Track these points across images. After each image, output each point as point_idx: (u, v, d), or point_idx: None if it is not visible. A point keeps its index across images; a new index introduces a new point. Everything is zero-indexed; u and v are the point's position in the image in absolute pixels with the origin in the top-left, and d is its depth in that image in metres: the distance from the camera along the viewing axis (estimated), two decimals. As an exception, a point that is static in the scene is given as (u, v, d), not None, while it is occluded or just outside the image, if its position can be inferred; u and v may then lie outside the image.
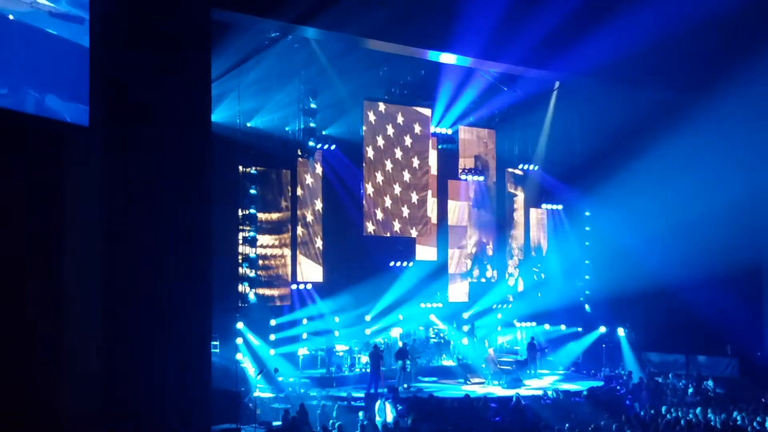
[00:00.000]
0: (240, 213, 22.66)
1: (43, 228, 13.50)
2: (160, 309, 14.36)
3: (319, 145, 24.71)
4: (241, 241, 22.61)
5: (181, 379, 14.47)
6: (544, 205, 31.34)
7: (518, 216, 30.94)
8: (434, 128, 28.02)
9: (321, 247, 25.17)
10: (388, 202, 26.42)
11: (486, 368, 25.17)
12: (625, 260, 27.00)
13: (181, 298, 14.69)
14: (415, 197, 27.22)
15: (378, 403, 19.23)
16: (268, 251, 23.60)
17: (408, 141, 26.98)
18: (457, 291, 29.04)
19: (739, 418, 17.92)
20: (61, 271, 13.68)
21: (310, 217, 24.93)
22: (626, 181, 26.48)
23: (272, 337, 23.08)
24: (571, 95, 27.97)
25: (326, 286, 25.05)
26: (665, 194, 26.60)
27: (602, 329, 28.44)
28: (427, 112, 27.51)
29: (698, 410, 19.13)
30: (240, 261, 22.58)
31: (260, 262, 23.11)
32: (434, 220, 28.27)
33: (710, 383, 23.84)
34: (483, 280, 29.54)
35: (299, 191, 24.55)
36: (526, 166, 30.55)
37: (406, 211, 26.94)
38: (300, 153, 24.47)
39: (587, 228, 31.05)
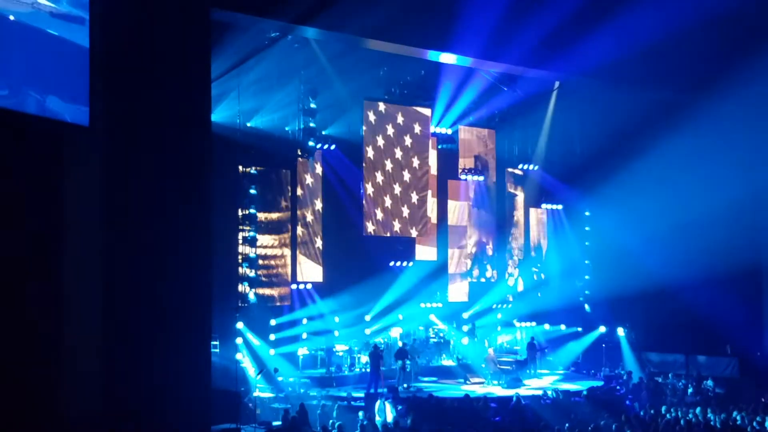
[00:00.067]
0: (240, 213, 22.67)
1: (43, 228, 13.48)
2: (160, 309, 14.35)
3: (319, 145, 24.71)
4: (241, 241, 22.61)
5: (181, 379, 14.46)
6: (544, 205, 31.35)
7: (518, 216, 30.94)
8: (434, 128, 28.03)
9: (321, 247, 25.17)
10: (388, 202, 26.42)
11: (486, 368, 25.17)
12: (625, 260, 27.02)
13: (181, 298, 14.68)
14: (415, 197, 27.22)
15: (378, 403, 19.24)
16: (268, 251, 23.60)
17: (408, 141, 26.98)
18: (457, 291, 29.05)
19: (738, 417, 17.94)
20: (61, 271, 13.66)
21: (310, 217, 24.94)
22: (626, 181, 26.50)
23: (272, 336, 23.08)
24: (571, 95, 27.97)
25: (326, 286, 25.05)
26: (665, 194, 26.63)
27: (602, 329, 28.45)
28: (427, 112, 27.52)
29: (698, 410, 19.16)
30: (240, 261, 22.58)
31: (260, 261, 23.11)
32: (434, 220, 28.28)
33: (710, 383, 23.84)
34: (483, 280, 29.55)
35: (299, 191, 24.55)
36: (526, 166, 30.56)
37: (406, 211, 26.94)
38: (300, 153, 24.47)
39: (587, 228, 31.07)
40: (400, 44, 22.11)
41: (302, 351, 23.68)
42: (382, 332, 25.72)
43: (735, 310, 25.42)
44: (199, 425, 14.93)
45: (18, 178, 13.19)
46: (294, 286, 24.27)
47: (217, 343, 19.83)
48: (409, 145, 27.04)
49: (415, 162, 27.25)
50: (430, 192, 27.88)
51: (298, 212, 24.52)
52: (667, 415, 18.49)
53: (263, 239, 23.33)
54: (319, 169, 25.23)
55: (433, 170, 28.23)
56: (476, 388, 23.81)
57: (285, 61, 22.79)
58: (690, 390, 23.24)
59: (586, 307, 30.33)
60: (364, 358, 23.87)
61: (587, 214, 30.86)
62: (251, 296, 22.81)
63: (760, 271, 27.09)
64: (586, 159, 28.86)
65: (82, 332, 13.65)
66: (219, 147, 19.18)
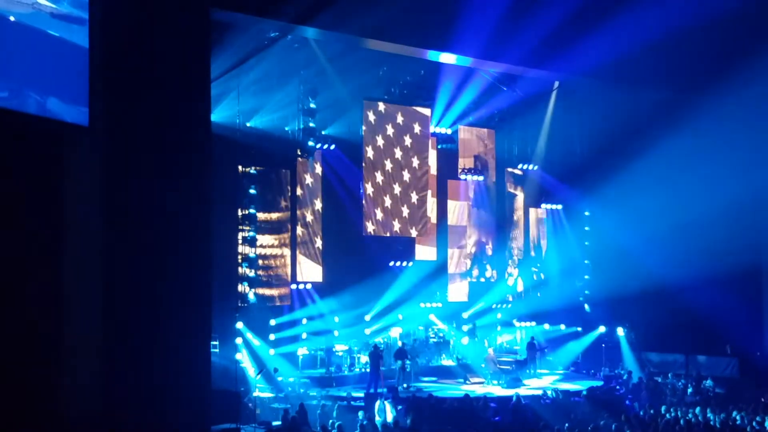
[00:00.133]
0: (240, 213, 22.68)
1: (43, 228, 13.49)
2: (160, 309, 14.34)
3: (318, 145, 24.71)
4: (240, 241, 22.62)
5: (181, 379, 14.44)
6: (543, 205, 31.35)
7: (518, 216, 30.94)
8: (434, 128, 28.03)
9: (321, 247, 25.17)
10: (387, 201, 26.42)
11: (485, 368, 25.16)
12: (625, 260, 27.03)
13: (181, 298, 14.66)
14: (414, 197, 27.22)
15: (378, 402, 19.23)
16: (268, 251, 23.60)
17: (408, 141, 26.98)
18: (457, 291, 29.05)
19: (738, 417, 17.95)
20: (61, 271, 13.67)
21: (309, 217, 24.94)
22: (626, 181, 26.51)
23: (272, 336, 23.09)
24: (571, 95, 27.99)
25: (326, 286, 25.05)
26: (665, 194, 26.65)
27: (602, 329, 28.45)
28: (426, 111, 27.52)
29: (698, 410, 19.16)
30: (240, 261, 22.59)
31: (260, 261, 23.12)
32: (434, 219, 28.29)
33: (710, 383, 23.85)
34: (482, 279, 29.56)
35: (299, 191, 24.55)
36: (525, 166, 30.57)
37: (405, 211, 26.94)
38: (300, 153, 24.47)
39: (587, 228, 31.06)
40: (400, 44, 22.12)
41: (302, 351, 23.68)
42: (381, 332, 25.72)
43: (735, 310, 25.43)
44: (199, 425, 14.92)
45: (18, 178, 13.18)
46: (294, 286, 24.28)
47: (217, 343, 19.84)
48: (409, 145, 27.04)
49: (415, 162, 27.25)
50: (429, 192, 27.89)
51: (298, 212, 24.52)
52: (667, 415, 18.49)
53: (263, 239, 23.33)
54: (318, 169, 25.22)
55: (433, 170, 28.24)
56: (476, 388, 23.80)
57: (285, 61, 22.79)
58: (690, 390, 23.25)
59: (586, 307, 30.33)
60: (364, 358, 23.86)
61: (587, 214, 30.86)
62: (251, 296, 22.82)
63: (760, 271, 27.10)
64: (585, 159, 28.88)
65: (82, 332, 13.64)
66: (219, 147, 19.17)
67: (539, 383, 24.73)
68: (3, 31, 12.29)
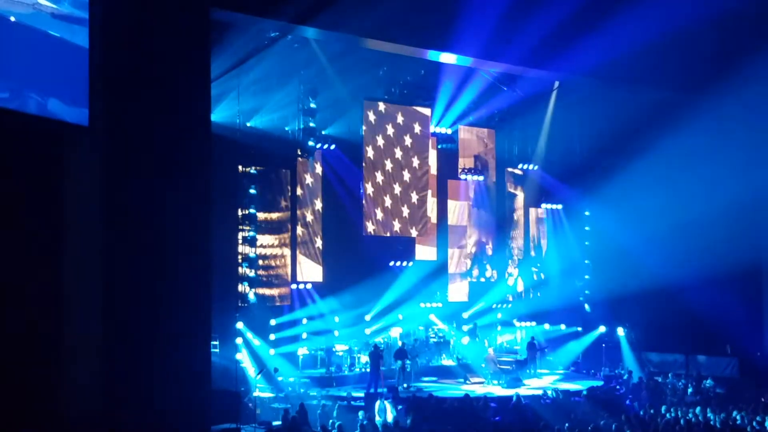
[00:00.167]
0: (240, 213, 22.68)
1: (43, 228, 13.49)
2: (160, 309, 14.34)
3: (318, 145, 24.71)
4: (240, 241, 22.62)
5: (181, 379, 14.44)
6: (543, 205, 31.35)
7: (518, 216, 30.95)
8: (434, 128, 28.03)
9: (321, 247, 25.17)
10: (387, 201, 26.43)
11: (486, 368, 25.16)
12: (625, 260, 27.04)
13: (181, 298, 14.67)
14: (414, 197, 27.22)
15: (378, 402, 19.23)
16: (268, 251, 23.61)
17: (408, 141, 26.99)
18: (457, 291, 29.05)
19: (738, 417, 17.94)
20: (61, 271, 13.67)
21: (309, 217, 24.94)
22: (626, 181, 26.52)
23: (272, 336, 23.09)
24: (571, 95, 27.96)
25: (326, 286, 25.05)
26: (665, 194, 26.66)
27: (602, 329, 28.46)
28: (426, 111, 27.52)
29: (698, 410, 19.16)
30: (240, 261, 22.58)
31: (260, 261, 23.12)
32: (434, 219, 28.29)
33: (710, 383, 23.84)
34: (483, 279, 29.56)
35: (299, 191, 24.55)
36: (525, 166, 30.57)
37: (405, 211, 26.94)
38: (300, 153, 24.47)
39: (587, 228, 31.07)
40: (400, 44, 22.08)
41: (302, 351, 23.69)
42: (382, 332, 25.72)
43: (735, 310, 25.43)
44: (199, 425, 14.92)
45: (18, 178, 13.19)
46: (294, 286, 24.28)
47: (217, 343, 19.84)
48: (409, 145, 27.05)
49: (415, 162, 27.25)
50: (430, 192, 27.89)
51: (298, 212, 24.53)
52: (667, 415, 18.49)
53: (263, 239, 23.33)
54: (319, 169, 25.23)
55: (433, 170, 28.24)
56: (476, 387, 23.80)
57: (285, 61, 22.78)
58: (690, 390, 23.23)
59: (586, 306, 30.33)
60: (364, 358, 23.87)
61: (587, 213, 30.86)
62: (251, 296, 22.82)
63: (760, 271, 27.09)
64: (586, 159, 28.89)
65: (82, 332, 13.65)
66: (219, 147, 19.16)
67: (539, 383, 24.72)
68: (3, 31, 12.25)
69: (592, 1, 21.94)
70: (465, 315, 28.48)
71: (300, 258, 24.50)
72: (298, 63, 23.28)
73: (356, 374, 23.96)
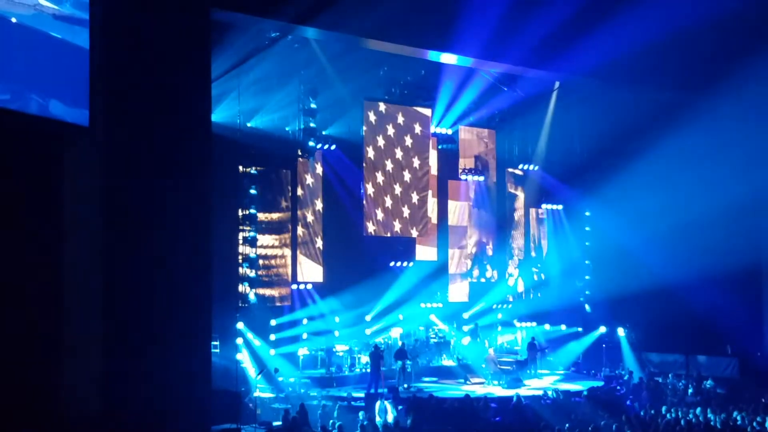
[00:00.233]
0: (240, 213, 22.67)
1: (43, 228, 13.50)
2: (160, 309, 14.36)
3: (319, 145, 24.71)
4: (241, 241, 22.61)
5: (181, 379, 14.46)
6: (544, 205, 31.35)
7: (518, 216, 30.95)
8: (434, 128, 28.03)
9: (321, 247, 25.17)
10: (388, 202, 26.43)
11: (486, 368, 25.16)
12: (625, 260, 27.05)
13: (181, 298, 14.68)
14: (415, 197, 27.23)
15: (378, 403, 19.23)
16: (269, 251, 23.61)
17: (408, 141, 26.99)
18: (457, 291, 29.05)
19: (739, 418, 17.93)
20: (61, 271, 13.68)
21: (310, 217, 24.94)
22: (626, 181, 26.51)
23: (272, 337, 23.08)
24: (571, 95, 27.97)
25: (326, 286, 25.05)
26: (665, 194, 26.64)
27: (602, 329, 28.44)
28: (427, 112, 27.53)
29: (698, 410, 19.14)
30: (240, 261, 22.58)
31: (260, 262, 23.12)
32: (434, 220, 28.29)
33: (710, 383, 23.83)
34: (483, 280, 29.56)
35: (299, 191, 24.55)
36: (526, 166, 30.57)
37: (406, 211, 26.95)
38: (300, 153, 24.47)
39: (587, 228, 31.06)
40: (400, 44, 22.08)
41: (302, 351, 23.68)
42: (382, 332, 25.71)
43: (735, 310, 25.42)
44: (199, 425, 14.93)
45: (18, 178, 13.20)
46: (294, 286, 24.27)
47: (217, 343, 19.82)
48: (410, 145, 27.05)
49: (416, 162, 27.25)
50: (430, 192, 27.90)
51: (299, 212, 24.52)
52: (668, 416, 18.48)
53: (263, 239, 23.33)
54: (319, 169, 25.23)
55: (434, 170, 28.24)
56: (476, 388, 23.79)
57: (285, 61, 22.78)
58: (690, 390, 23.22)
59: (587, 307, 30.33)
60: (365, 359, 23.86)
61: (587, 214, 30.86)
62: (251, 296, 22.81)
63: (760, 271, 27.09)
64: (586, 159, 28.88)
65: (82, 332, 13.66)
66: (219, 147, 19.15)
67: (540, 383, 24.71)
68: (5, 33, 12.25)
69: (592, 2, 21.96)
70: (465, 315, 28.48)
71: (300, 258, 24.49)
72: (299, 63, 23.28)
73: (356, 374, 23.95)
